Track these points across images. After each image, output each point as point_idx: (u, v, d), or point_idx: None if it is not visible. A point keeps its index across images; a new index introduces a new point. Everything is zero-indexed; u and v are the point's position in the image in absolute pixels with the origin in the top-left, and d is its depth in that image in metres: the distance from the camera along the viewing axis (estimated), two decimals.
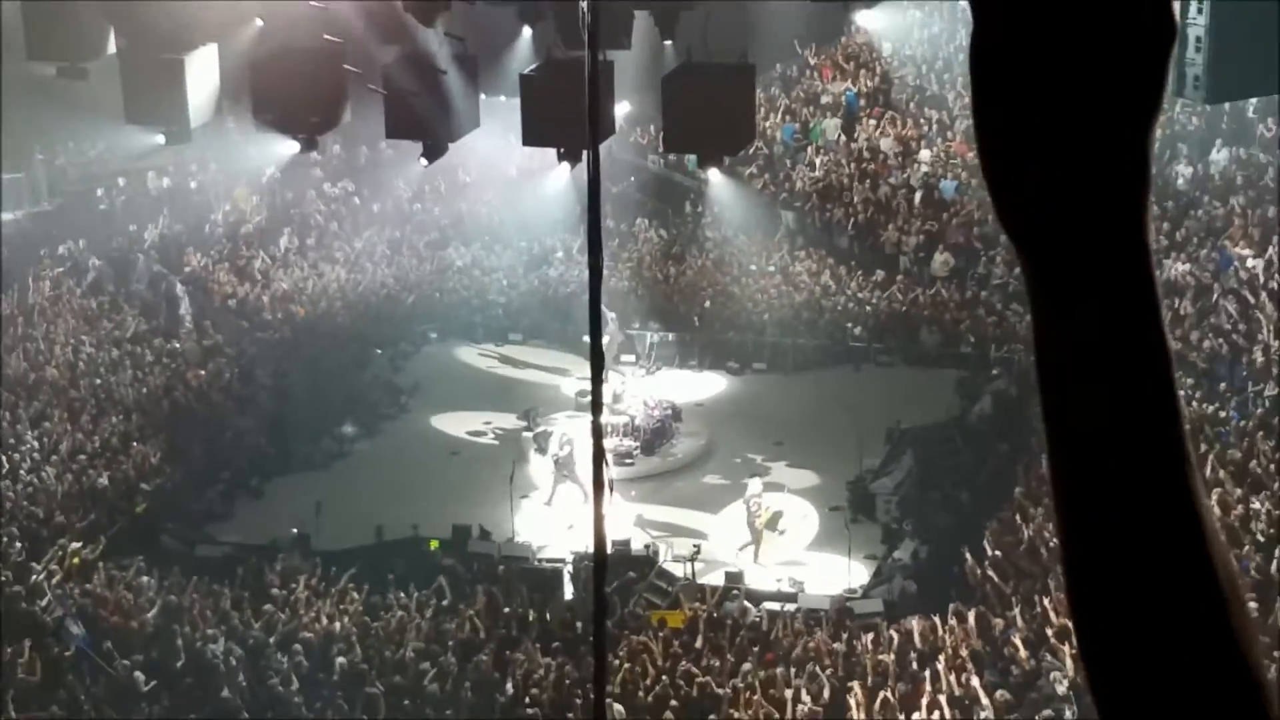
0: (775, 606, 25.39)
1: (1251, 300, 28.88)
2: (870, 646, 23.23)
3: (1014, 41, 1.12)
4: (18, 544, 24.77)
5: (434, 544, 26.96)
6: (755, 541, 27.02)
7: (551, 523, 27.39)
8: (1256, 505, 23.68)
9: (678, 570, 26.33)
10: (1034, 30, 1.11)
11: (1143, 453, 1.12)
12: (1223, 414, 26.45)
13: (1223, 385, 27.06)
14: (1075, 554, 1.16)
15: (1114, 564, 1.13)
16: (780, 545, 27.13)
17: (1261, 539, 22.85)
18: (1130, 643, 1.13)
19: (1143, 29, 1.10)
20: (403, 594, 25.14)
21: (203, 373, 31.62)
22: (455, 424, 31.36)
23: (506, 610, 24.45)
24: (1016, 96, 1.13)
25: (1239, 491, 24.19)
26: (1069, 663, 20.62)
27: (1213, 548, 1.12)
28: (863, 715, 21.03)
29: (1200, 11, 19.52)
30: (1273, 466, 24.86)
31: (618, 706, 20.06)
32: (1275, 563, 21.99)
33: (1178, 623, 1.12)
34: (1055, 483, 1.17)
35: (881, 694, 21.46)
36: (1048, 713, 20.13)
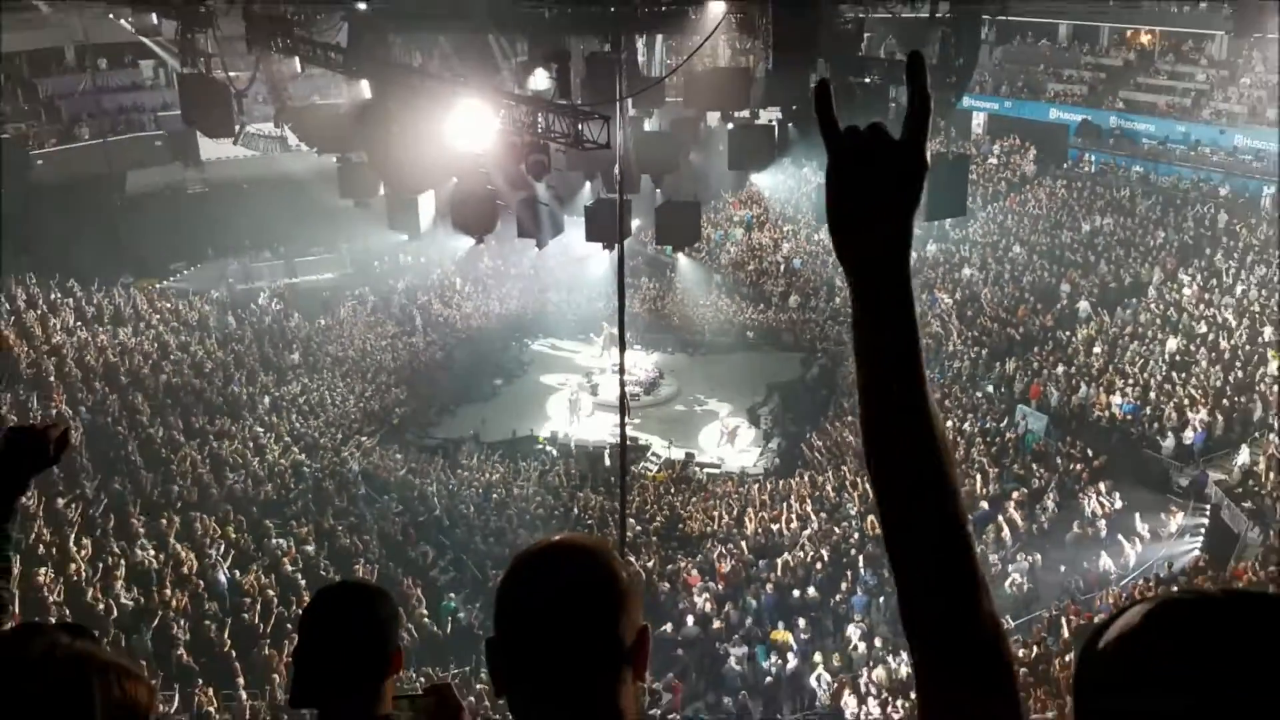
0: (710, 470, 25.54)
1: (946, 320, 28.80)
2: (756, 491, 23.24)
3: (847, 171, 1.19)
4: (335, 437, 24.88)
5: (541, 440, 27.04)
6: (728, 440, 27.09)
7: (594, 429, 27.22)
8: (955, 424, 23.58)
9: (662, 452, 26.34)
10: (857, 165, 1.18)
11: (901, 370, 1.16)
12: (934, 375, 26.43)
13: (931, 362, 27.03)
14: (869, 423, 1.18)
15: (885, 425, 1.17)
16: (738, 444, 27.15)
17: None
18: (893, 464, 1.16)
19: (911, 164, 1.17)
20: (524, 464, 25.22)
21: (425, 354, 31.68)
22: (551, 379, 31.10)
23: (574, 472, 24.60)
24: (847, 198, 1.19)
25: (958, 414, 24.14)
26: (855, 499, 20.66)
27: (934, 419, 1.16)
28: (751, 524, 21.00)
29: None
30: (952, 399, 24.80)
31: (630, 520, 20.03)
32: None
33: (918, 452, 1.15)
34: (861, 392, 1.19)
35: (761, 514, 21.48)
36: (845, 524, 20.11)
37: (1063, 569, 18.18)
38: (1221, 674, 0.95)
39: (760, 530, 20.73)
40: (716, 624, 17.65)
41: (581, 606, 1.30)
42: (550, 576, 1.33)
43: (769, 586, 18.45)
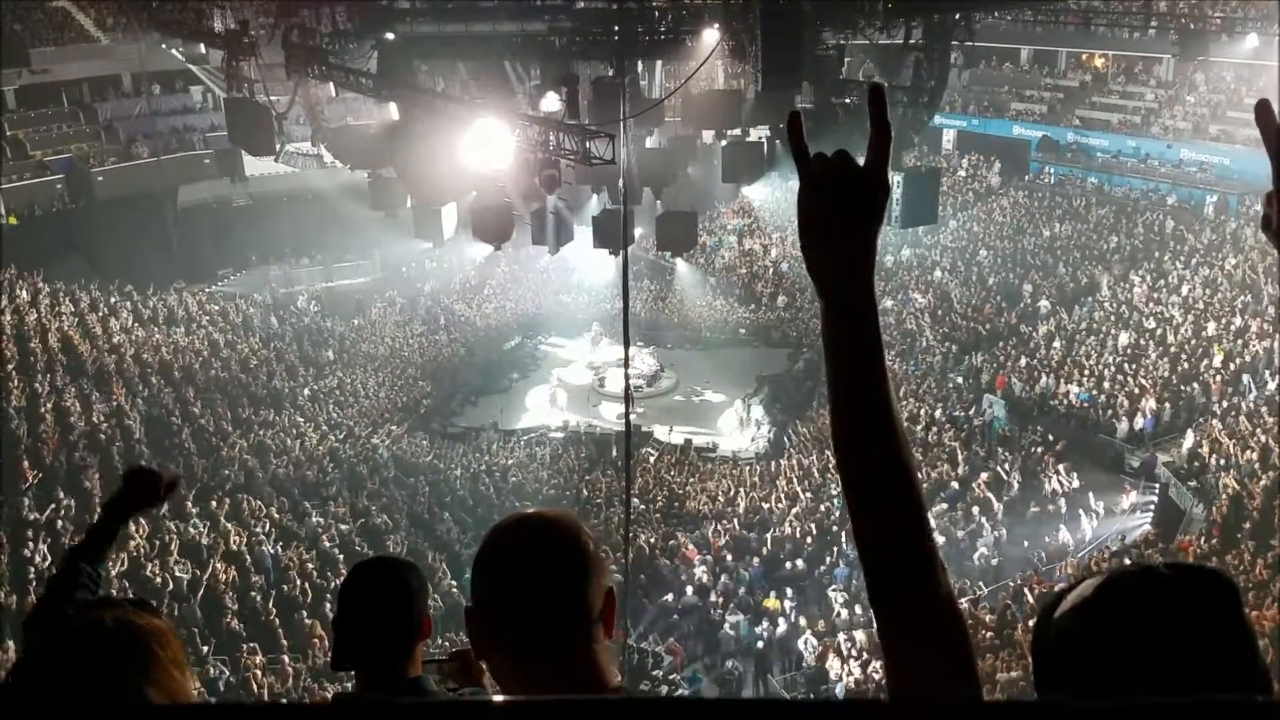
0: (707, 455, 25.29)
1: (919, 318, 28.74)
2: (748, 472, 23.22)
3: (816, 193, 1.19)
4: (367, 426, 24.82)
5: (554, 428, 26.80)
6: (742, 426, 26.70)
7: (602, 416, 26.97)
8: (927, 411, 23.54)
9: (663, 437, 26.04)
10: (825, 188, 1.18)
11: (864, 371, 1.16)
12: (908, 367, 26.38)
13: (906, 356, 26.95)
14: (836, 419, 1.18)
15: (850, 421, 1.17)
16: (751, 428, 26.71)
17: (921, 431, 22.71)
18: (857, 456, 1.17)
19: (873, 187, 1.17)
20: (539, 448, 25.11)
21: (449, 350, 31.52)
22: (561, 374, 30.53)
23: (585, 455, 24.48)
24: (816, 218, 1.19)
25: (912, 402, 24.06)
26: (839, 479, 20.56)
27: (894, 416, 1.16)
28: (743, 502, 20.95)
29: (898, 186, 19.37)
30: (925, 390, 24.69)
31: (635, 500, 20.01)
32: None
33: (879, 445, 1.15)
34: (829, 391, 1.19)
35: (753, 494, 21.44)
36: (828, 502, 20.05)
37: (1025, 543, 18.16)
38: (1163, 646, 0.96)
39: (752, 508, 20.68)
40: (713, 596, 17.64)
41: (553, 574, 1.30)
42: (523, 548, 1.32)
43: (755, 560, 18.44)
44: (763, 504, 20.71)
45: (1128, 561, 15.71)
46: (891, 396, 1.17)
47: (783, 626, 16.55)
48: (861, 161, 1.20)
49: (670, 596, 17.56)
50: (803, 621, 16.45)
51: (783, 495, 20.85)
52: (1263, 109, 1.09)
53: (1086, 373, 23.41)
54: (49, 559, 15.12)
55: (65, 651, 1.15)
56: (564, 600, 1.30)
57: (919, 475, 1.20)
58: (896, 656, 1.13)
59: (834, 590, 17.20)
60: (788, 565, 18.11)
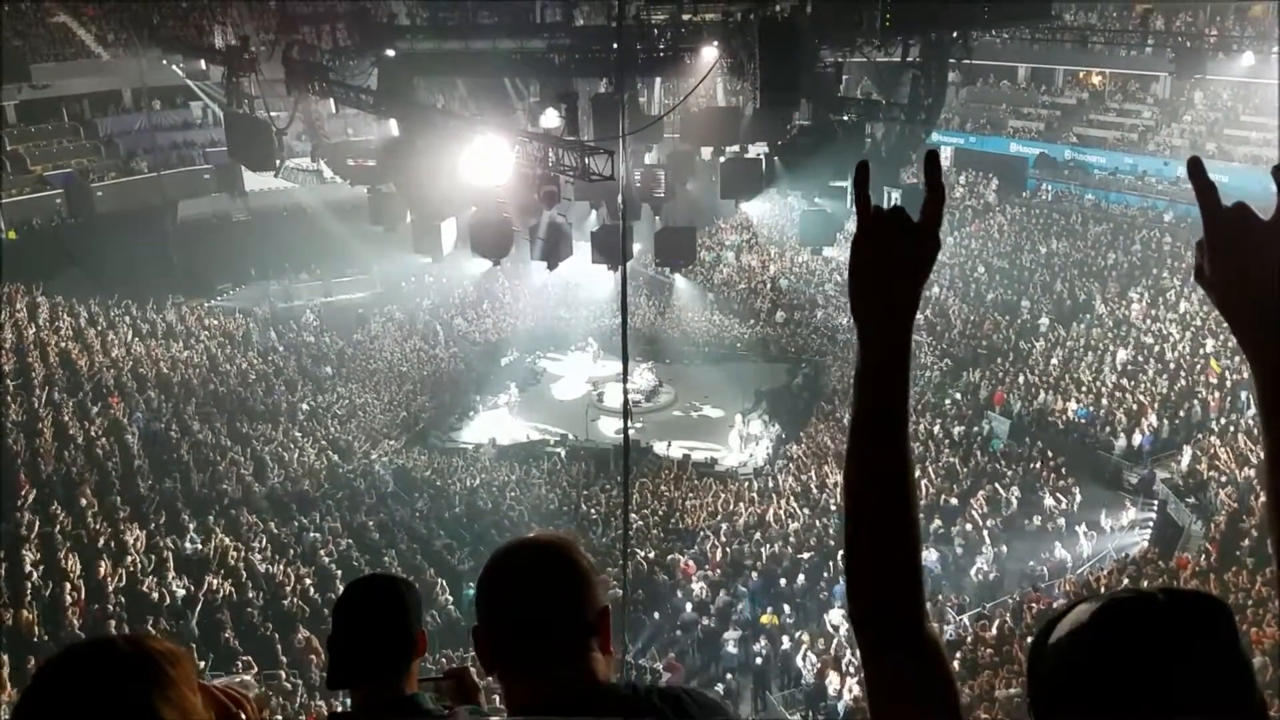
0: (705, 470, 25.22)
1: (917, 333, 28.51)
2: (746, 488, 23.16)
3: (871, 242, 1.22)
4: (366, 440, 24.78)
5: (552, 443, 26.72)
6: (745, 442, 26.63)
7: (602, 431, 26.94)
8: (925, 427, 23.50)
9: (661, 452, 25.93)
10: (880, 237, 1.22)
11: (890, 416, 1.19)
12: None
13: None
14: (853, 456, 1.20)
15: (867, 461, 1.19)
16: (756, 443, 26.66)
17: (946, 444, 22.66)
18: (866, 495, 1.18)
19: (925, 243, 1.22)
20: (534, 468, 24.99)
21: (448, 365, 31.45)
22: (561, 389, 30.81)
23: (585, 469, 24.41)
24: (868, 265, 1.22)
25: (928, 417, 24.03)
26: (839, 496, 20.53)
27: (908, 463, 1.18)
28: (744, 517, 20.89)
29: (895, 202, 19.29)
30: (923, 405, 24.64)
31: (634, 516, 19.94)
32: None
33: (889, 489, 1.17)
34: (851, 427, 1.21)
35: (751, 509, 21.37)
36: (824, 519, 19.96)
37: (1025, 559, 18.12)
38: (1159, 673, 0.96)
39: (751, 523, 20.60)
40: (711, 611, 17.52)
41: (551, 594, 1.40)
42: (523, 570, 1.43)
43: (754, 574, 18.35)
44: (761, 519, 20.62)
45: (1126, 580, 15.68)
46: (909, 443, 1.20)
47: (784, 643, 16.44)
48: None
49: (668, 612, 17.45)
50: (802, 637, 16.34)
51: (781, 511, 20.79)
52: (1194, 166, 1.19)
53: (1085, 389, 23.40)
54: (47, 576, 15.04)
55: (81, 671, 1.16)
56: (562, 613, 1.39)
57: (919, 520, 1.21)
58: (877, 687, 1.15)
59: (833, 608, 17.11)
60: (783, 582, 18.01)
